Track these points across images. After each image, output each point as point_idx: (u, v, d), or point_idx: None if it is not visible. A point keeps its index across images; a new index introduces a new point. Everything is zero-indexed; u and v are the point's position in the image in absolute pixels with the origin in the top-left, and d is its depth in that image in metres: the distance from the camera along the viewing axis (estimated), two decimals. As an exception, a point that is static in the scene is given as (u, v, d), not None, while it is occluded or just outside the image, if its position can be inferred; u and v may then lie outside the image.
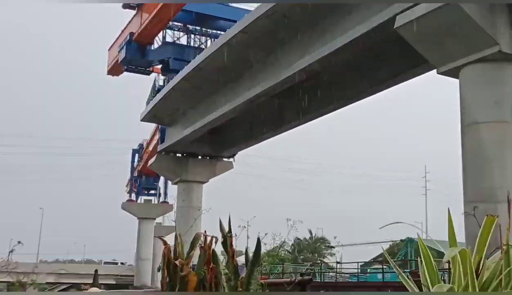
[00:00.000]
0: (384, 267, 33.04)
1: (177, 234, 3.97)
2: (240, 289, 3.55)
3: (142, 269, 72.22)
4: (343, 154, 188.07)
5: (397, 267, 4.50)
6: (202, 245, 3.83)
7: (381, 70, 27.99)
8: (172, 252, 3.90)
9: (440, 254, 3.74)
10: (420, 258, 3.66)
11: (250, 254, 3.84)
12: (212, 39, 42.36)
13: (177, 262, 3.75)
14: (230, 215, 3.90)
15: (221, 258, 3.89)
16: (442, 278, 3.77)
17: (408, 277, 3.88)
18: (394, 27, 19.42)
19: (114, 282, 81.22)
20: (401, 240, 48.11)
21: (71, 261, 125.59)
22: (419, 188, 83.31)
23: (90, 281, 77.06)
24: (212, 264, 3.73)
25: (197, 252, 3.88)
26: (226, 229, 3.90)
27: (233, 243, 3.83)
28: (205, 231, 3.89)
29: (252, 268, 3.53)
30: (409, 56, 24.70)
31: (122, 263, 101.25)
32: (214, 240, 3.85)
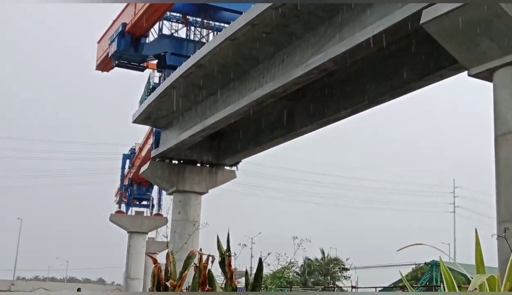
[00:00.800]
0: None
1: (169, 251, 3.97)
2: (239, 316, 3.55)
3: (132, 289, 72.11)
4: (363, 163, 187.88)
5: None
6: (197, 265, 3.83)
7: (405, 71, 27.93)
8: (163, 272, 3.90)
9: (469, 280, 3.73)
10: (443, 284, 3.66)
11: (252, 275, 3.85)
12: (215, 32, 42.47)
13: (168, 284, 3.75)
14: (228, 231, 3.90)
15: (219, 281, 3.90)
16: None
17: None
18: (420, 23, 19.42)
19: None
20: (425, 263, 47.91)
21: (52, 278, 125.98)
22: (446, 205, 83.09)
23: (73, 302, 77.21)
24: (208, 286, 3.73)
25: (191, 272, 3.88)
26: (225, 246, 3.90)
27: (232, 263, 3.83)
28: (201, 249, 3.89)
29: (252, 291, 3.53)
30: (436, 56, 24.77)
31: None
32: (211, 259, 3.85)
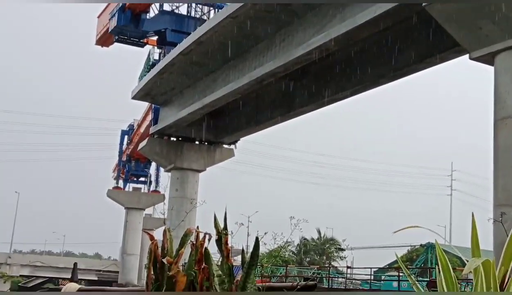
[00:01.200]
0: (401, 274, 33.12)
1: (166, 228, 3.98)
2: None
3: (128, 265, 72.48)
4: (361, 144, 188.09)
5: (411, 277, 4.51)
6: (194, 243, 3.84)
7: (405, 53, 27.84)
8: (160, 249, 3.92)
9: (464, 263, 3.75)
10: (438, 266, 3.67)
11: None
12: (216, 9, 42.19)
13: (164, 260, 3.76)
14: (226, 210, 3.91)
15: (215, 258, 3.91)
16: (463, 289, 3.77)
17: (425, 287, 3.88)
18: (423, 4, 19.33)
19: (96, 278, 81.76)
20: (421, 245, 48.19)
21: (48, 252, 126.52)
22: (443, 188, 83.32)
23: (69, 275, 77.57)
24: (204, 264, 3.74)
25: (188, 249, 3.90)
26: (222, 225, 3.91)
27: (229, 242, 3.85)
28: (198, 227, 3.91)
29: (248, 270, 3.55)
30: (437, 39, 24.66)
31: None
32: (207, 237, 3.86)
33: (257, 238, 3.62)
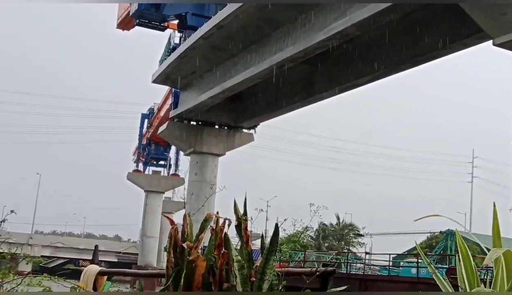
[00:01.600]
0: (420, 261, 33.02)
1: (186, 213, 4.00)
2: (254, 279, 3.58)
3: (147, 247, 73.20)
4: (381, 130, 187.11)
5: (430, 265, 4.49)
6: (214, 227, 3.86)
7: (428, 38, 27.56)
8: (179, 233, 3.94)
9: (484, 250, 3.72)
10: (458, 255, 3.65)
11: (268, 239, 3.87)
12: (237, -7, 42.01)
13: (184, 245, 3.78)
14: (246, 195, 3.92)
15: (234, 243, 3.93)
16: (484, 278, 3.74)
17: (444, 275, 3.86)
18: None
19: (116, 260, 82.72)
20: (440, 232, 47.96)
21: (69, 233, 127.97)
22: (464, 175, 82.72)
23: (89, 257, 78.46)
24: (223, 249, 3.76)
25: (207, 234, 3.92)
26: (241, 210, 3.92)
27: (249, 227, 3.86)
28: (217, 212, 3.92)
29: (268, 256, 3.56)
30: (461, 24, 24.37)
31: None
32: (227, 222, 3.87)
33: (276, 225, 3.63)
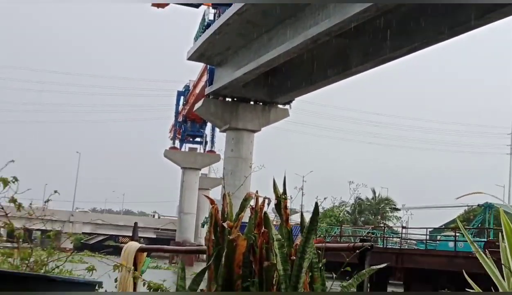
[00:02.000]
0: (457, 234, 32.73)
1: (225, 192, 4.01)
2: (294, 258, 3.59)
3: (185, 223, 73.94)
4: (418, 103, 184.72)
5: (469, 237, 4.43)
6: (253, 207, 3.87)
7: (466, 8, 26.95)
8: (219, 213, 3.97)
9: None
10: (501, 232, 3.59)
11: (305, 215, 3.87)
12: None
13: (225, 224, 3.81)
14: (285, 175, 3.91)
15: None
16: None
17: (483, 248, 3.81)
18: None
19: (155, 236, 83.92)
20: (478, 205, 47.36)
21: (109, 210, 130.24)
22: (503, 147, 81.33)
23: (128, 233, 79.82)
24: (263, 228, 3.77)
25: (247, 213, 3.93)
26: (280, 189, 3.92)
27: (288, 206, 3.86)
28: (257, 191, 3.93)
29: (308, 235, 3.55)
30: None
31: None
32: (267, 201, 3.88)
33: (316, 203, 3.61)
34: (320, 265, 3.73)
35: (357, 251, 3.94)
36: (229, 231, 3.73)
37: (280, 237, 3.62)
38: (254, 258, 3.73)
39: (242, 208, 3.85)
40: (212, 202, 4.03)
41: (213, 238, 3.89)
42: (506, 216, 3.75)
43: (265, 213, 3.81)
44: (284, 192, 3.84)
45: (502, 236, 3.54)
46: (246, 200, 3.86)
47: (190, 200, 74.12)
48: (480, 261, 3.72)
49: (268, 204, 3.84)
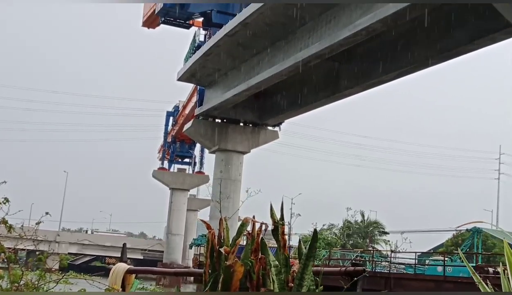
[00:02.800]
0: (446, 259, 32.75)
1: (222, 217, 3.98)
2: (292, 284, 3.55)
3: (173, 244, 73.51)
4: (406, 127, 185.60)
5: (469, 265, 4.40)
6: (250, 232, 3.84)
7: (454, 34, 27.23)
8: (216, 238, 3.93)
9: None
10: (507, 268, 3.49)
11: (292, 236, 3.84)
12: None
13: (222, 250, 3.76)
14: (282, 201, 3.89)
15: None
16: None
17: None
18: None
19: (142, 257, 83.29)
20: (466, 230, 47.46)
21: (95, 231, 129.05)
22: (490, 171, 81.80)
23: (115, 254, 79.28)
24: (260, 254, 3.73)
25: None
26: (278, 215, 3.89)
27: (285, 231, 3.82)
28: (254, 216, 3.90)
29: (306, 262, 3.52)
30: (488, 19, 24.05)
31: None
32: (264, 227, 3.85)
33: (315, 230, 3.59)
34: (317, 291, 3.70)
35: (353, 277, 3.91)
36: (226, 257, 3.69)
37: (277, 263, 3.59)
38: (251, 284, 3.68)
39: (239, 233, 3.81)
40: (208, 226, 3.99)
41: (210, 263, 3.85)
42: (499, 241, 3.72)
43: (262, 238, 3.78)
44: (282, 218, 3.81)
45: (504, 269, 3.46)
46: (243, 225, 3.83)
47: (178, 221, 73.80)
48: (480, 287, 3.68)
49: (265, 230, 3.81)
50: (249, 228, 3.81)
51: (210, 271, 3.84)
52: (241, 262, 3.68)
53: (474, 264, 30.80)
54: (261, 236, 3.76)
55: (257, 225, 3.83)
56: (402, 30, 28.88)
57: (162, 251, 78.41)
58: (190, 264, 67.48)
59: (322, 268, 3.82)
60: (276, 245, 3.83)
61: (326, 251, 44.31)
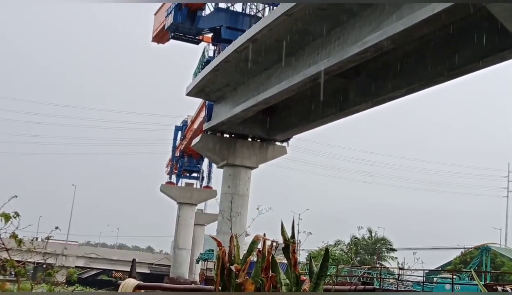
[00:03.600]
0: (454, 277, 32.47)
1: (232, 234, 3.96)
2: (302, 303, 3.53)
3: (180, 259, 73.38)
4: (414, 143, 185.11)
5: (481, 284, 4.36)
6: (260, 250, 3.82)
7: (463, 51, 27.22)
8: (227, 255, 3.91)
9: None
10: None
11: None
12: (271, 7, 42.14)
13: (232, 267, 3.75)
14: (294, 219, 3.87)
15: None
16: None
17: None
18: (483, 3, 18.86)
19: (148, 272, 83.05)
20: (475, 248, 47.14)
21: (103, 244, 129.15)
22: (499, 189, 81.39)
23: (122, 268, 79.13)
24: (271, 272, 3.71)
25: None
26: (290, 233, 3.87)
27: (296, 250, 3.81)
28: (264, 234, 3.88)
29: (318, 281, 3.50)
30: (497, 37, 24.03)
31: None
32: (274, 245, 3.83)
33: (326, 249, 3.57)
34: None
35: (359, 291, 3.88)
36: (236, 274, 3.67)
37: (288, 281, 3.57)
38: (262, 299, 3.66)
39: (250, 251, 3.79)
40: (219, 243, 3.97)
41: (220, 281, 3.83)
42: (508, 259, 3.70)
43: (273, 256, 3.75)
44: (293, 236, 3.79)
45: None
46: (254, 242, 3.82)
47: (186, 235, 73.70)
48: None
49: (276, 248, 3.79)
50: (259, 246, 3.80)
51: (220, 288, 3.83)
52: (252, 279, 3.66)
53: (482, 283, 30.53)
54: (271, 254, 3.75)
55: (268, 243, 3.81)
56: (411, 48, 28.92)
57: (169, 265, 78.22)
58: (197, 278, 67.30)
59: (333, 286, 3.79)
60: (284, 260, 3.81)
61: (333, 267, 44.02)
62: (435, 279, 39.72)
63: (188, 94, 43.56)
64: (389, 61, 30.82)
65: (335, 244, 68.09)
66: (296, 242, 3.61)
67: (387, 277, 41.74)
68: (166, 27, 44.91)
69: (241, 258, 3.85)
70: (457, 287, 30.50)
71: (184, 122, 75.18)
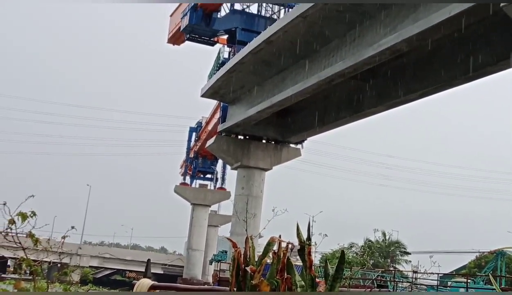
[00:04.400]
0: (469, 281, 32.28)
1: (248, 235, 3.97)
2: (317, 305, 3.52)
3: (193, 260, 73.49)
4: (431, 147, 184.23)
5: (498, 287, 4.33)
6: (276, 251, 3.82)
7: (480, 54, 27.03)
8: (242, 256, 3.91)
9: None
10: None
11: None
12: (287, 9, 42.16)
13: (248, 269, 3.75)
14: (310, 221, 3.87)
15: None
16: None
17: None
18: (500, 5, 18.73)
19: (162, 272, 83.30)
20: (490, 252, 46.86)
21: (117, 244, 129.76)
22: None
23: (136, 268, 79.45)
24: (286, 274, 3.71)
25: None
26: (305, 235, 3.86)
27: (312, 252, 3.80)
28: (280, 236, 3.88)
29: (333, 283, 3.50)
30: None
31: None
32: (290, 246, 3.83)
33: (342, 252, 3.56)
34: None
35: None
36: (252, 276, 3.67)
37: (303, 283, 3.56)
38: (276, 302, 3.66)
39: (265, 253, 3.79)
40: (234, 245, 3.98)
41: (235, 282, 3.83)
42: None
43: (288, 258, 3.75)
44: (309, 238, 3.78)
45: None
46: (269, 244, 3.82)
47: (199, 236, 73.78)
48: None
49: (292, 250, 3.79)
50: (275, 247, 3.79)
51: (235, 289, 3.83)
52: (267, 281, 3.66)
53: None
54: (287, 256, 3.74)
55: (283, 244, 3.81)
56: (427, 50, 28.74)
57: (182, 266, 78.39)
58: (210, 279, 67.39)
59: (348, 288, 3.78)
60: (298, 262, 3.81)
61: (347, 270, 43.92)
62: (449, 283, 39.53)
63: (203, 95, 43.64)
64: (405, 64, 30.71)
65: (350, 246, 67.99)
66: (313, 244, 3.61)
67: (401, 280, 41.59)
68: (181, 28, 45.05)
69: (256, 259, 3.86)
70: (472, 291, 30.28)
71: (199, 124, 75.35)
